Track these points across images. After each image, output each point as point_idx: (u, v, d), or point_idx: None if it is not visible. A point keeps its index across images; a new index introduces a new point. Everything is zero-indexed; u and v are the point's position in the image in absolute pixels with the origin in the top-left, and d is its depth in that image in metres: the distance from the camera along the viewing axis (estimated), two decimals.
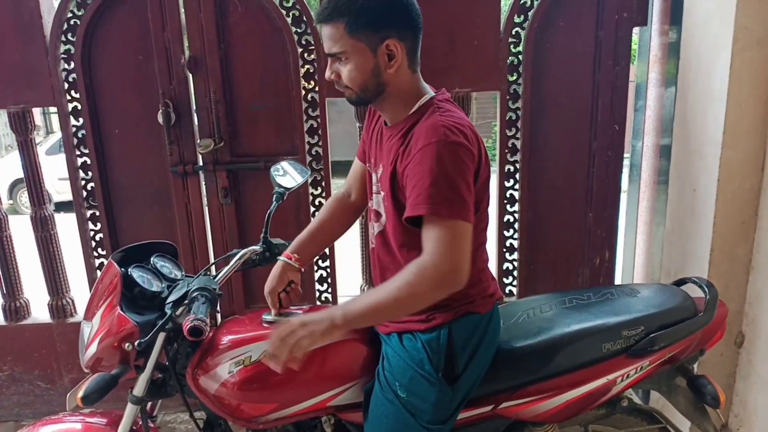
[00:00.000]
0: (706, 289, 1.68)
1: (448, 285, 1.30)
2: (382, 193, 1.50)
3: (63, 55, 2.43)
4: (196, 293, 1.43)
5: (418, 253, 1.33)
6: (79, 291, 2.77)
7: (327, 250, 2.64)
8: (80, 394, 1.47)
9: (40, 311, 2.79)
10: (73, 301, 2.76)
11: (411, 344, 1.50)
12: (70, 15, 2.39)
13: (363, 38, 1.36)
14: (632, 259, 2.74)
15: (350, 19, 1.34)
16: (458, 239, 1.30)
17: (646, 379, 1.67)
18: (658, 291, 1.76)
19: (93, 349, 1.50)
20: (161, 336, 1.47)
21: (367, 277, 2.71)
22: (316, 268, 2.68)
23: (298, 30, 2.41)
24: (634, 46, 2.48)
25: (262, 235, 1.73)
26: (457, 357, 1.47)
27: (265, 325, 1.58)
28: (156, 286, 1.55)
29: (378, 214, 1.56)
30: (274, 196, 1.76)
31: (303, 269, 1.68)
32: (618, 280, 2.74)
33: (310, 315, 1.37)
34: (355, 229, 2.67)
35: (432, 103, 1.44)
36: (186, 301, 1.45)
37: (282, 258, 1.67)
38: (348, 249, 3.03)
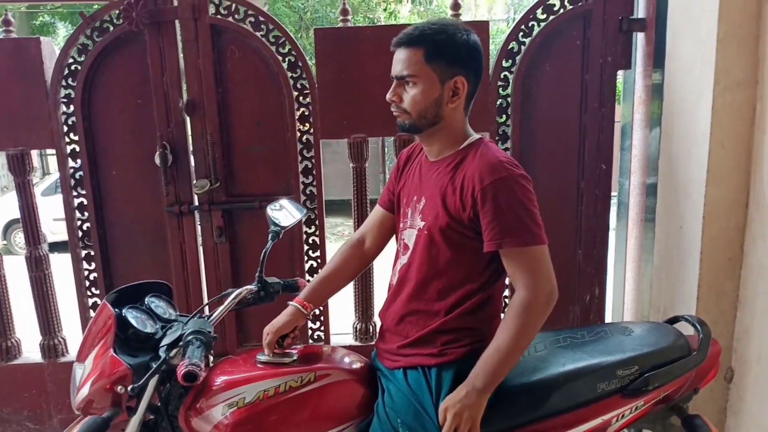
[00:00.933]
0: (699, 328, 1.70)
1: (551, 303, 1.44)
2: (423, 223, 1.54)
3: (63, 99, 2.49)
4: (191, 337, 1.44)
5: (440, 285, 1.49)
6: (71, 330, 2.77)
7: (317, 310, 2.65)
8: None
9: (30, 350, 2.78)
10: (65, 340, 2.76)
11: (416, 382, 1.51)
12: (71, 60, 2.46)
13: (436, 68, 1.46)
14: (622, 295, 2.76)
15: (430, 48, 1.46)
16: (546, 261, 1.44)
17: (641, 419, 1.67)
18: (651, 329, 1.77)
19: (85, 391, 1.50)
20: (154, 378, 1.47)
21: (359, 315, 2.72)
22: None
23: (294, 75, 2.48)
24: (619, 88, 2.55)
25: (257, 274, 1.75)
26: None
27: (259, 366, 1.58)
28: (150, 327, 1.55)
29: (407, 247, 1.60)
30: (270, 234, 1.77)
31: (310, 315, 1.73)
32: (608, 317, 2.76)
33: (454, 400, 1.41)
34: None
35: (481, 142, 1.54)
36: (180, 344, 1.46)
37: (295, 304, 1.69)
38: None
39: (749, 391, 2.10)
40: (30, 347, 2.79)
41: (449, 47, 1.47)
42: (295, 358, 1.59)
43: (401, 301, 1.60)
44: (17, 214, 2.63)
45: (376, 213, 1.83)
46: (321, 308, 2.69)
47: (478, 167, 1.45)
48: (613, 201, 2.62)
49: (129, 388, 1.43)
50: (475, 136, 1.58)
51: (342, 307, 2.98)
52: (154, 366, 1.45)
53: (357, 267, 1.85)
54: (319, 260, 2.64)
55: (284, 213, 1.84)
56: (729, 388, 2.20)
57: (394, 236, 1.75)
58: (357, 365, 1.66)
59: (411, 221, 1.60)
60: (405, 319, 1.58)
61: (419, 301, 1.55)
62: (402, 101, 1.51)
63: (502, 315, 1.59)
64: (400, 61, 1.49)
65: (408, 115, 1.51)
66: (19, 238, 8.58)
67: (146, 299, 1.62)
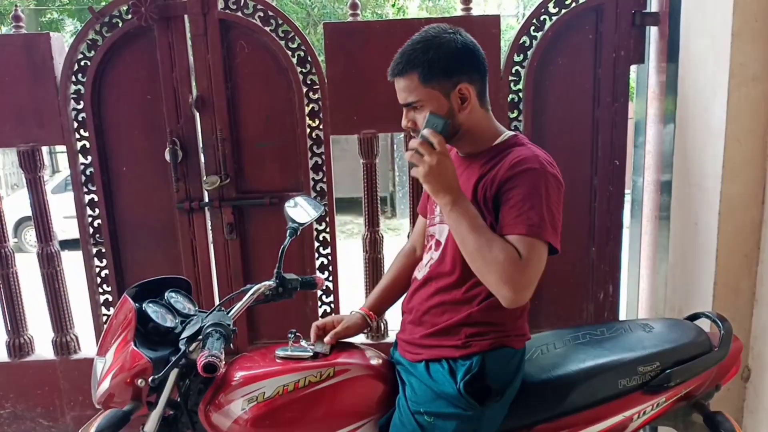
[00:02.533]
0: (720, 324, 1.69)
1: (512, 291, 1.34)
2: None
3: (73, 95, 2.48)
4: (211, 329, 1.44)
5: (471, 280, 1.46)
6: (83, 327, 2.77)
7: (331, 286, 2.66)
8: (92, 430, 1.47)
9: (43, 348, 2.78)
10: (77, 337, 2.76)
11: (439, 374, 1.51)
12: (80, 56, 2.46)
13: (436, 86, 1.44)
14: (636, 293, 2.74)
15: (423, 70, 1.43)
16: (541, 262, 1.37)
17: (662, 416, 1.67)
18: (671, 326, 1.77)
19: (106, 385, 1.50)
20: (174, 372, 1.47)
21: None
22: (320, 303, 2.69)
23: (303, 70, 2.47)
24: (633, 84, 2.53)
25: (275, 270, 1.74)
26: (490, 388, 1.48)
27: (278, 361, 1.58)
28: (170, 321, 1.56)
29: (439, 243, 1.59)
30: (288, 231, 1.77)
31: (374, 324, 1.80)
32: (622, 315, 2.74)
33: (442, 171, 1.38)
34: (359, 264, 2.70)
35: (517, 139, 1.53)
36: (200, 337, 1.46)
37: (362, 312, 1.76)
38: (351, 284, 3.04)
39: (766, 390, 2.08)
40: (42, 344, 2.79)
41: (441, 61, 1.44)
42: (311, 354, 1.59)
43: (428, 293, 1.59)
44: (27, 212, 2.63)
45: (420, 222, 1.87)
46: (332, 306, 2.68)
47: (513, 159, 1.43)
48: (627, 198, 2.60)
49: (149, 380, 1.44)
50: (508, 132, 1.56)
51: (353, 305, 2.98)
52: (174, 359, 1.45)
53: (412, 276, 1.85)
54: (329, 257, 2.63)
55: (301, 210, 1.83)
56: (746, 387, 2.18)
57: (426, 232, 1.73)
58: (376, 361, 1.65)
59: (442, 217, 1.58)
60: (431, 311, 1.57)
61: (448, 294, 1.54)
62: (417, 126, 1.49)
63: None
64: (401, 90, 1.48)
65: None
66: (29, 235, 8.62)
67: (166, 294, 1.62)
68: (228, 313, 1.58)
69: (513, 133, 1.56)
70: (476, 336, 1.51)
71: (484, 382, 1.47)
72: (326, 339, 1.66)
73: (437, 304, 1.56)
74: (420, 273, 1.65)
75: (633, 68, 2.50)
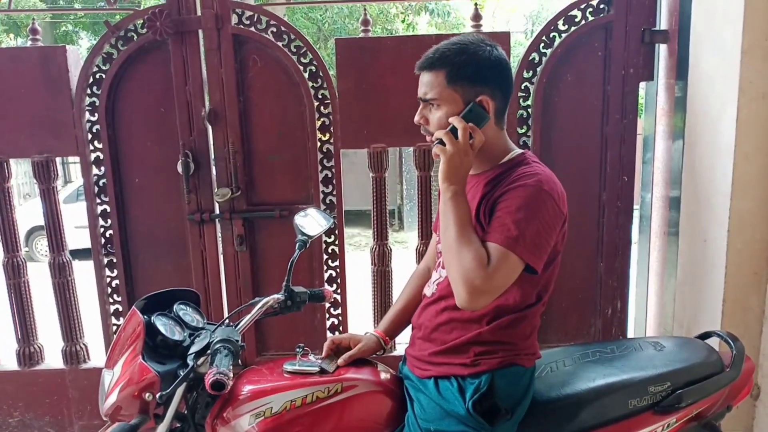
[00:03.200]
0: (732, 344, 1.67)
1: (467, 292, 1.33)
2: None
3: (88, 107, 2.52)
4: (219, 345, 1.44)
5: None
6: (93, 337, 2.79)
7: (339, 298, 2.66)
8: None
9: (53, 357, 2.80)
10: (86, 346, 2.78)
11: (448, 391, 1.50)
12: (96, 69, 2.49)
13: (459, 89, 1.45)
14: (644, 309, 2.74)
15: (451, 70, 1.45)
16: (511, 274, 1.36)
17: None
18: (683, 345, 1.75)
19: (113, 397, 1.50)
20: (182, 386, 1.47)
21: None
22: (327, 315, 2.70)
23: (315, 84, 2.50)
24: (642, 100, 2.54)
25: (284, 283, 1.74)
26: (499, 406, 1.47)
27: (286, 375, 1.57)
28: (178, 334, 1.55)
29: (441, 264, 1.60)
30: (297, 244, 1.77)
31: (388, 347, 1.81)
32: (630, 331, 2.73)
33: (459, 163, 1.41)
34: (367, 276, 2.70)
35: (524, 157, 1.53)
36: (208, 352, 1.46)
37: (376, 335, 1.76)
38: (359, 297, 3.05)
39: None
40: (52, 353, 2.81)
41: (471, 67, 1.45)
42: (318, 369, 1.58)
43: (437, 310, 1.59)
44: (39, 221, 2.66)
45: (433, 241, 1.88)
46: (340, 318, 2.69)
47: (515, 176, 1.44)
48: (635, 214, 2.60)
49: (157, 395, 1.44)
50: (517, 150, 1.56)
51: (361, 318, 2.99)
52: (182, 374, 1.45)
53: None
54: (338, 269, 2.64)
55: (311, 222, 1.83)
56: (755, 406, 2.17)
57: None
58: (384, 376, 1.65)
59: None
60: (440, 328, 1.57)
61: (457, 312, 1.53)
62: (428, 123, 1.51)
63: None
64: (423, 84, 1.49)
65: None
66: (41, 245, 8.67)
67: (174, 306, 1.62)
68: (236, 326, 1.58)
69: (521, 151, 1.56)
70: (485, 354, 1.50)
71: (493, 400, 1.46)
72: (340, 360, 1.64)
73: (446, 321, 1.56)
74: (429, 290, 1.65)
75: (642, 85, 2.51)
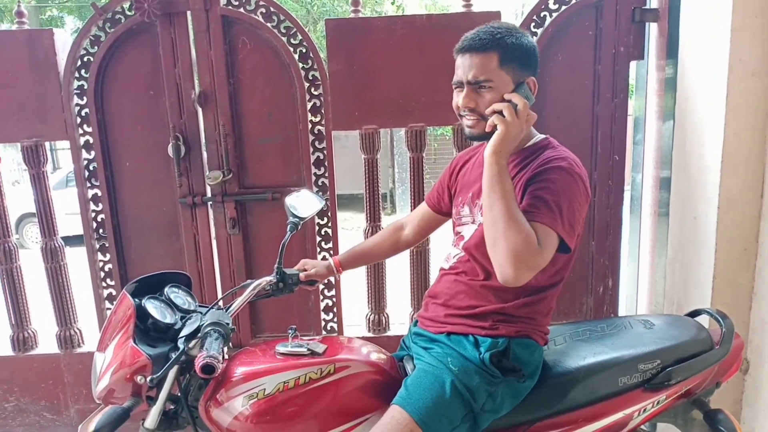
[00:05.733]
0: (722, 321, 1.69)
1: (515, 269, 1.34)
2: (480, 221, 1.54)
3: (76, 91, 2.50)
4: (209, 329, 1.44)
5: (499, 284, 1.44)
6: (87, 321, 2.79)
7: (332, 280, 2.67)
8: (91, 427, 1.48)
9: (47, 342, 2.81)
10: (80, 331, 2.78)
11: (462, 342, 1.55)
12: (83, 52, 2.47)
13: (510, 72, 1.47)
14: (635, 287, 2.76)
15: (504, 52, 1.46)
16: (551, 252, 1.39)
17: (662, 413, 1.67)
18: (672, 323, 1.76)
19: (105, 381, 1.51)
20: (174, 368, 1.48)
21: (372, 306, 2.73)
22: (321, 297, 2.70)
23: (305, 66, 2.48)
24: (632, 81, 2.54)
25: (276, 265, 1.75)
26: (514, 366, 1.51)
27: (278, 357, 1.58)
28: (169, 317, 1.55)
29: (461, 238, 1.64)
30: (289, 226, 1.78)
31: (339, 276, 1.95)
32: (621, 309, 2.75)
33: (514, 138, 1.42)
34: None
35: (548, 141, 1.56)
36: (198, 335, 1.46)
37: (331, 261, 1.91)
38: (352, 279, 3.06)
39: (765, 382, 2.10)
40: (47, 338, 2.81)
41: (519, 50, 1.47)
42: (310, 351, 1.59)
43: (458, 280, 1.63)
44: (29, 209, 2.65)
45: (421, 207, 1.94)
46: (333, 300, 2.70)
47: (546, 158, 1.47)
48: (626, 195, 2.61)
49: (148, 378, 1.44)
50: (540, 135, 1.59)
51: (355, 298, 3.00)
52: (173, 357, 1.46)
53: (391, 248, 1.99)
54: (331, 252, 2.65)
55: (303, 204, 1.83)
56: (744, 380, 2.20)
57: (452, 228, 1.75)
58: (377, 356, 1.66)
59: (471, 217, 1.62)
60: (459, 296, 1.61)
61: (479, 287, 1.57)
62: (479, 106, 1.49)
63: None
64: (474, 66, 1.47)
65: (484, 122, 1.48)
66: (32, 231, 8.63)
67: (166, 289, 1.62)
68: (228, 309, 1.59)
69: (544, 136, 1.59)
70: (504, 323, 1.54)
71: (508, 360, 1.51)
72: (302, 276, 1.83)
73: (467, 290, 1.60)
74: (447, 263, 1.69)
75: (633, 64, 2.51)
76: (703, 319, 1.79)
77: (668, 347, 1.61)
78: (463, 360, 1.52)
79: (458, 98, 1.52)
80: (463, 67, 1.49)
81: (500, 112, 1.42)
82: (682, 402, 1.68)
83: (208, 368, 1.35)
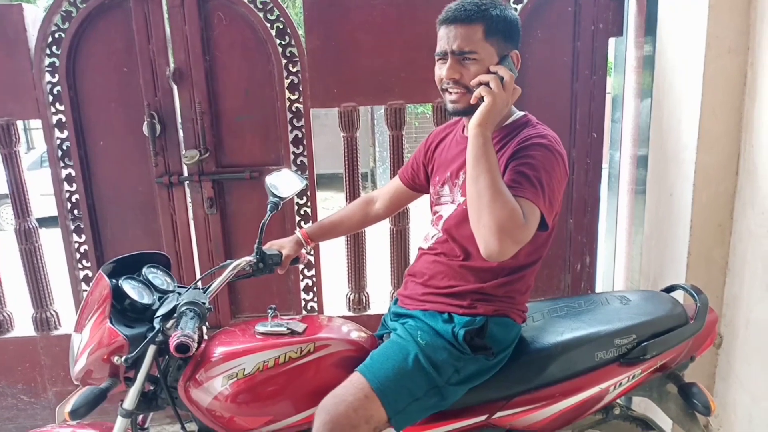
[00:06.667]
0: (696, 296, 1.72)
1: (500, 243, 1.31)
2: (464, 198, 1.52)
3: (47, 68, 2.44)
4: (185, 308, 1.43)
5: (478, 263, 1.50)
6: (63, 304, 2.76)
7: (312, 260, 2.66)
8: (68, 408, 1.46)
9: (23, 324, 2.77)
10: (57, 313, 2.74)
11: (438, 318, 1.56)
12: (54, 28, 2.40)
13: (494, 44, 1.45)
14: (612, 264, 2.79)
15: (489, 24, 1.44)
16: (534, 228, 1.37)
17: (638, 387, 1.70)
18: (648, 298, 1.79)
19: (82, 362, 1.49)
20: (152, 349, 1.47)
21: (352, 285, 2.73)
22: (302, 277, 2.70)
23: (282, 42, 2.44)
24: (611, 59, 2.54)
25: (255, 245, 1.74)
26: (486, 345, 1.52)
27: (258, 337, 1.58)
28: (147, 297, 1.54)
29: (440, 218, 1.63)
30: (269, 206, 1.76)
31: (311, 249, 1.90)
32: (599, 285, 2.79)
33: (499, 111, 1.41)
34: (340, 239, 2.70)
35: (528, 119, 1.55)
36: (175, 315, 1.45)
37: (299, 235, 1.88)
38: (333, 258, 3.05)
39: (737, 357, 2.14)
40: (23, 321, 2.77)
41: (504, 22, 1.46)
42: (290, 330, 1.58)
43: (437, 260, 1.63)
44: (3, 189, 2.59)
45: (394, 182, 1.94)
46: (313, 279, 2.69)
47: (526, 136, 1.46)
48: (604, 173, 2.63)
49: (123, 358, 1.43)
50: (518, 112, 1.58)
51: (335, 277, 3.00)
52: (149, 337, 1.45)
53: (360, 221, 1.99)
54: None
55: (283, 183, 1.82)
56: (718, 354, 2.24)
57: (429, 208, 1.75)
58: (357, 335, 1.66)
59: (450, 197, 1.62)
60: (438, 276, 1.61)
61: (458, 266, 1.58)
62: (463, 78, 1.47)
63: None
64: (458, 36, 1.45)
65: (469, 95, 1.46)
66: (7, 213, 8.48)
67: (143, 270, 1.60)
68: (206, 289, 1.57)
69: (523, 113, 1.58)
70: (483, 302, 1.55)
71: (482, 339, 1.51)
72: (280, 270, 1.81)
73: (446, 270, 1.60)
74: (426, 243, 1.69)
75: (611, 42, 2.50)
76: (679, 295, 1.81)
77: (644, 322, 1.64)
78: (433, 334, 1.53)
79: (441, 70, 1.49)
80: (447, 38, 1.46)
81: (486, 84, 1.40)
82: (657, 376, 1.71)
83: (182, 347, 1.34)
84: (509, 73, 1.42)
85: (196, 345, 1.36)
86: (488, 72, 1.44)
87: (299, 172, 2.55)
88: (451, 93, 1.50)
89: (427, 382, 1.47)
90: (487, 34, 1.44)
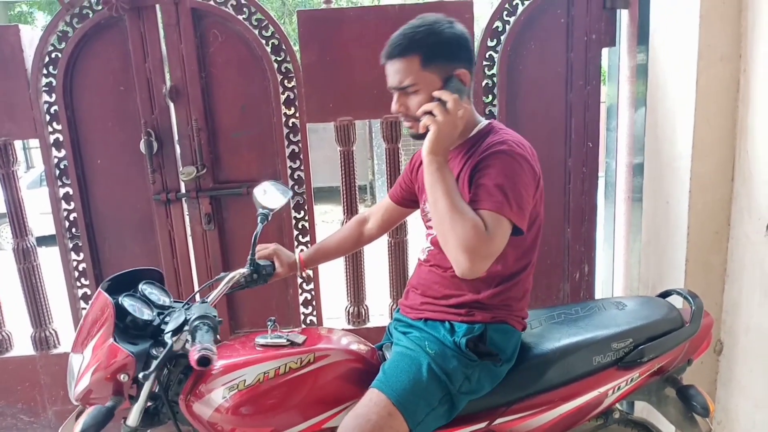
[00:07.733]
0: (691, 300, 1.73)
1: (469, 260, 1.32)
2: None
3: (44, 88, 2.45)
4: (198, 322, 1.43)
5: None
6: (62, 322, 2.75)
7: (311, 273, 2.66)
8: (77, 429, 1.46)
9: (22, 344, 2.76)
10: (56, 332, 2.74)
11: (439, 328, 1.57)
12: (51, 48, 2.42)
13: (435, 70, 1.46)
14: (611, 272, 2.79)
15: (426, 52, 1.44)
16: (504, 238, 1.38)
17: (636, 391, 1.71)
18: (644, 303, 1.80)
19: (85, 381, 1.48)
20: (154, 364, 1.46)
21: (351, 299, 2.73)
22: (301, 291, 2.70)
23: (278, 58, 2.46)
24: (605, 68, 2.56)
25: (249, 257, 1.75)
26: (490, 351, 1.53)
27: (258, 348, 1.58)
28: (147, 314, 1.54)
29: (430, 233, 1.65)
30: (259, 217, 1.78)
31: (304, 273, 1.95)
32: (598, 294, 2.79)
33: (447, 135, 1.42)
34: None
35: (491, 127, 1.55)
36: (185, 329, 1.45)
37: (297, 258, 1.90)
38: (332, 272, 3.05)
39: (738, 362, 2.14)
40: (21, 340, 2.77)
41: (441, 46, 1.46)
42: (290, 341, 1.59)
43: (433, 272, 1.65)
44: (3, 209, 2.59)
45: (384, 201, 1.95)
46: (312, 293, 2.69)
47: (486, 146, 1.47)
48: (601, 181, 2.64)
49: (141, 375, 1.43)
50: (484, 121, 1.59)
51: (334, 291, 2.99)
52: (159, 352, 1.45)
53: (354, 242, 1.99)
54: (309, 245, 2.64)
55: (270, 195, 1.83)
56: (719, 360, 2.24)
57: (423, 222, 1.76)
58: (356, 346, 1.67)
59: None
60: (433, 286, 1.63)
61: (454, 278, 1.57)
62: (410, 110, 1.49)
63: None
64: (398, 72, 1.47)
65: (419, 123, 1.48)
66: (6, 232, 8.47)
67: (140, 286, 1.60)
68: (203, 303, 1.57)
69: (488, 121, 1.59)
70: (481, 310, 1.56)
71: (484, 345, 1.52)
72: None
73: (441, 281, 1.61)
74: (422, 256, 1.71)
75: (605, 51, 2.52)
76: (675, 300, 1.82)
77: (640, 326, 1.65)
78: (439, 343, 1.54)
79: (392, 104, 1.54)
80: (388, 74, 1.50)
81: (431, 112, 1.42)
82: (655, 380, 1.72)
83: (204, 360, 1.33)
84: (452, 96, 1.42)
85: (216, 357, 1.36)
86: (432, 99, 1.45)
87: (296, 187, 2.56)
88: (405, 123, 1.55)
89: (441, 391, 1.49)
90: (424, 63, 1.45)
